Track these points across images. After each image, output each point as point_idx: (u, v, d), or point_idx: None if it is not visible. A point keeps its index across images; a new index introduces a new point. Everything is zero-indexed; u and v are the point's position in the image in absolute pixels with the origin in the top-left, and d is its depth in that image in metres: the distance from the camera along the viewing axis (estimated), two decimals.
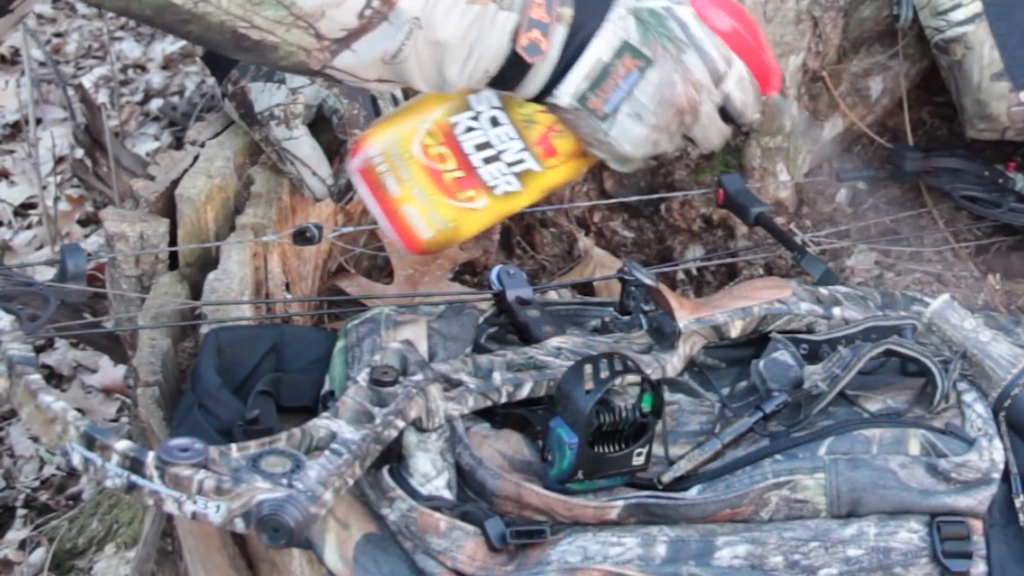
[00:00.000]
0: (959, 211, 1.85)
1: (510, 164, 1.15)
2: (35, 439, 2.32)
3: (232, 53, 1.02)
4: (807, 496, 1.13)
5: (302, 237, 1.38)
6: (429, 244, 1.21)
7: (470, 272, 1.81)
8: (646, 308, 1.31)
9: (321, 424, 1.06)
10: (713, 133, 1.14)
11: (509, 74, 1.06)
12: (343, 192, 1.45)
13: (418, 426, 1.11)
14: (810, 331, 1.30)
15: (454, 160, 1.15)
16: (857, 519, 1.14)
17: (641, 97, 1.07)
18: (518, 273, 1.35)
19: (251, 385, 1.23)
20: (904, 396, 1.21)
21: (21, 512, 2.20)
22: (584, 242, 1.83)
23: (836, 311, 1.32)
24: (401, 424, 1.09)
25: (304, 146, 1.42)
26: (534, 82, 1.07)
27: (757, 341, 1.29)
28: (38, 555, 2.05)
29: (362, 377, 1.10)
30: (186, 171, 1.50)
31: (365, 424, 1.06)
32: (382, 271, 1.79)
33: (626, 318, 1.33)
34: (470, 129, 1.14)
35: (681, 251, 1.85)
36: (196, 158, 1.52)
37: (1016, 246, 1.83)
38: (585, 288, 1.72)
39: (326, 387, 1.23)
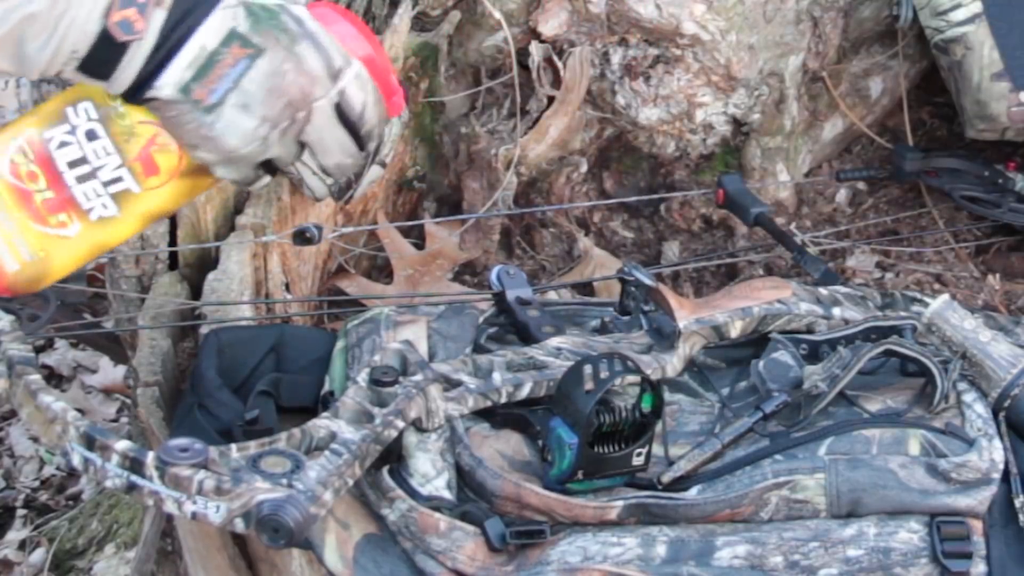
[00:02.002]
0: (959, 211, 1.85)
1: (106, 183, 1.03)
2: (35, 439, 2.32)
3: None
4: (807, 496, 1.13)
5: (302, 237, 1.38)
6: (15, 280, 1.03)
7: (470, 272, 1.81)
8: (646, 308, 1.31)
9: (321, 424, 1.06)
10: (330, 139, 1.05)
11: (100, 56, 0.97)
12: (343, 191, 1.44)
13: (418, 426, 1.11)
14: (810, 331, 1.30)
15: (45, 179, 1.02)
16: (857, 519, 1.13)
17: (249, 87, 0.99)
18: (518, 273, 1.35)
19: (251, 385, 1.23)
20: (904, 396, 1.21)
21: (21, 512, 2.20)
22: (584, 242, 1.84)
23: (836, 311, 1.32)
24: (401, 424, 1.09)
25: None
26: (129, 68, 0.98)
27: (757, 341, 1.29)
28: (38, 555, 2.05)
29: (362, 377, 1.10)
30: None
31: (365, 424, 1.06)
32: (382, 271, 1.79)
33: (626, 318, 1.33)
34: (64, 144, 1.02)
35: (680, 251, 1.85)
36: None
37: (1016, 246, 1.83)
38: (585, 288, 1.72)
39: (326, 387, 1.23)
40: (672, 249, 1.84)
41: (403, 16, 1.72)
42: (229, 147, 1.02)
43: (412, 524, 1.08)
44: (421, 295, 1.66)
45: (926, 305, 1.26)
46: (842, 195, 1.90)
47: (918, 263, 1.80)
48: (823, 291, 1.35)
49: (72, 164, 1.03)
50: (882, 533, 1.13)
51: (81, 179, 1.03)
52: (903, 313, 1.32)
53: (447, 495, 1.11)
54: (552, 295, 1.63)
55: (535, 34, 1.75)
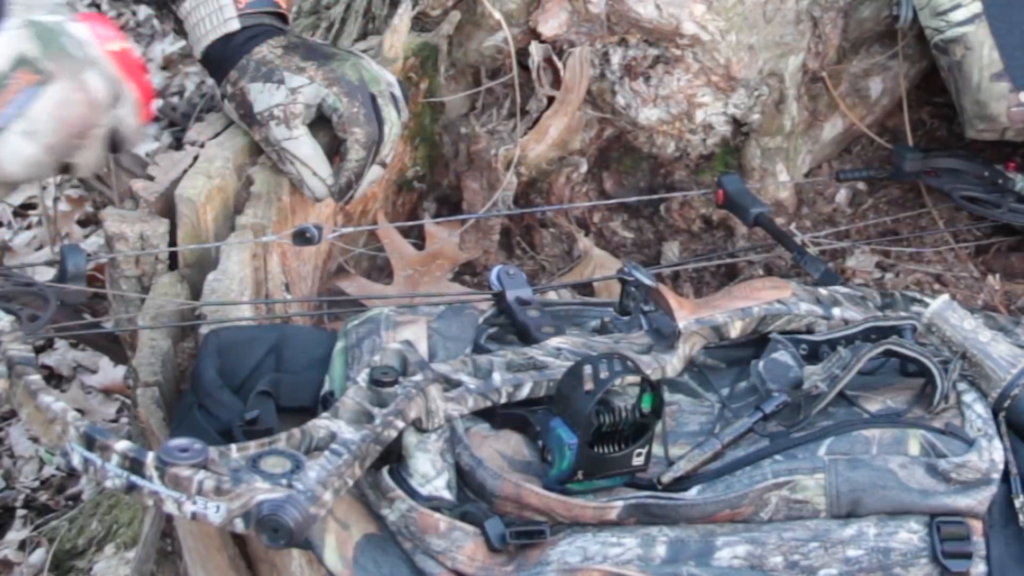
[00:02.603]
0: (959, 211, 1.85)
1: None
2: (35, 439, 2.32)
3: None
4: (807, 496, 1.13)
5: (302, 238, 1.38)
6: None
7: (470, 272, 1.81)
8: (646, 308, 1.31)
9: (321, 424, 1.06)
10: (94, 158, 1.06)
11: None
12: (343, 191, 1.44)
13: (418, 427, 1.11)
14: (810, 331, 1.30)
15: None
16: (857, 519, 1.13)
17: (36, 115, 0.98)
18: (518, 273, 1.35)
19: (251, 385, 1.22)
20: (904, 396, 1.21)
21: (21, 512, 2.20)
22: (584, 242, 1.83)
23: (836, 311, 1.32)
24: (401, 425, 1.09)
25: (304, 146, 1.40)
26: None
27: (757, 341, 1.29)
28: (38, 555, 2.05)
29: (362, 378, 1.10)
30: (186, 171, 1.50)
31: (365, 424, 1.06)
32: (382, 271, 1.79)
33: (626, 318, 1.33)
34: None
35: (680, 252, 1.85)
36: (196, 158, 1.52)
37: (1016, 246, 1.83)
38: (585, 288, 1.72)
39: (326, 387, 1.23)
40: (672, 249, 1.84)
41: (403, 16, 1.72)
42: (6, 173, 1.00)
43: (412, 524, 1.08)
44: (421, 295, 1.66)
45: (926, 305, 1.26)
46: (842, 195, 1.90)
47: (918, 263, 1.80)
48: (823, 291, 1.35)
49: None
50: (882, 533, 1.13)
51: None
52: (903, 313, 1.32)
53: (447, 495, 1.11)
54: (552, 295, 1.63)
55: (535, 34, 1.75)
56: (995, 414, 1.18)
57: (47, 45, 0.97)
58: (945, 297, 1.23)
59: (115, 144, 1.04)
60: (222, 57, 1.34)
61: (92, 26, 1.01)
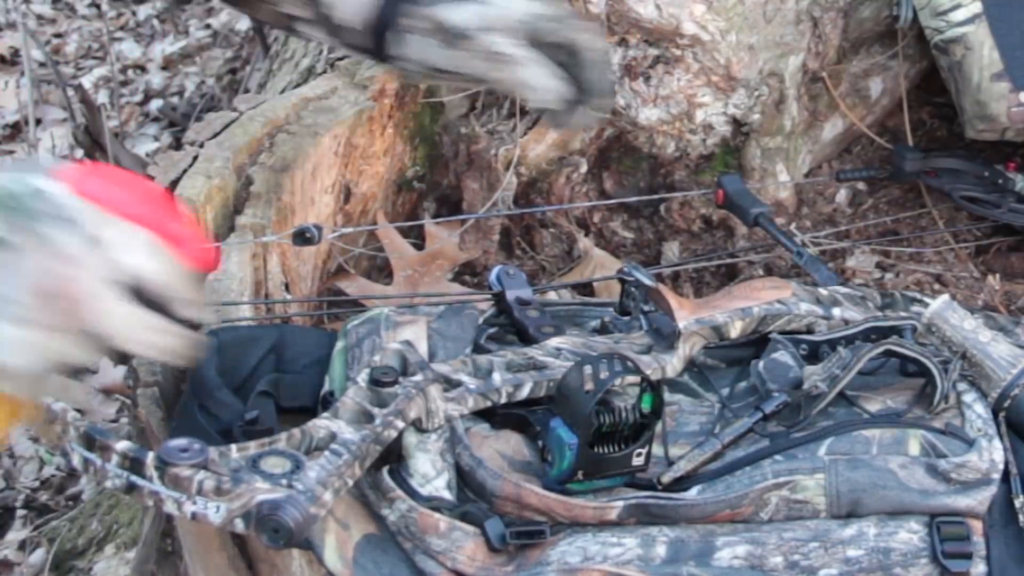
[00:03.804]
0: (959, 211, 1.85)
1: None
2: (35, 439, 2.32)
3: None
4: (807, 496, 1.13)
5: (302, 238, 1.38)
6: None
7: (470, 272, 1.81)
8: (646, 308, 1.31)
9: (321, 425, 1.06)
10: (134, 323, 0.88)
11: None
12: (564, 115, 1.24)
13: (418, 427, 1.11)
14: (810, 331, 1.30)
15: None
16: (857, 519, 1.13)
17: (7, 291, 0.83)
18: (518, 273, 1.35)
19: (251, 385, 1.22)
20: (904, 396, 1.21)
21: (21, 513, 2.20)
22: (584, 242, 1.83)
23: (836, 312, 1.32)
24: (401, 425, 1.09)
25: (521, 48, 1.21)
26: None
27: (757, 341, 1.29)
28: (38, 555, 2.05)
29: (362, 378, 1.10)
30: (185, 171, 1.50)
31: (365, 425, 1.06)
32: (381, 271, 1.79)
33: (626, 318, 1.33)
34: None
35: (680, 252, 1.85)
36: (195, 159, 1.52)
37: (1016, 246, 1.83)
38: (585, 288, 1.72)
39: (326, 387, 1.23)
40: (672, 249, 1.84)
41: None
42: (9, 366, 0.86)
43: (412, 524, 1.08)
44: (421, 295, 1.66)
45: (926, 305, 1.26)
46: (842, 195, 1.90)
47: (918, 263, 1.80)
48: (823, 291, 1.35)
49: None
50: (882, 533, 1.13)
51: None
52: (903, 313, 1.32)
53: (447, 495, 1.11)
54: (552, 295, 1.63)
55: None
56: (995, 414, 1.18)
57: (12, 215, 0.84)
58: (945, 297, 1.23)
59: (156, 305, 0.88)
60: (381, 8, 1.22)
61: (79, 180, 0.88)
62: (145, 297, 0.87)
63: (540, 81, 1.16)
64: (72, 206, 0.86)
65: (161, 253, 0.88)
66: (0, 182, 0.86)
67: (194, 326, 0.89)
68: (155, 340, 0.88)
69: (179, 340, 0.89)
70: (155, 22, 3.79)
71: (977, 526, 1.14)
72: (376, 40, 1.24)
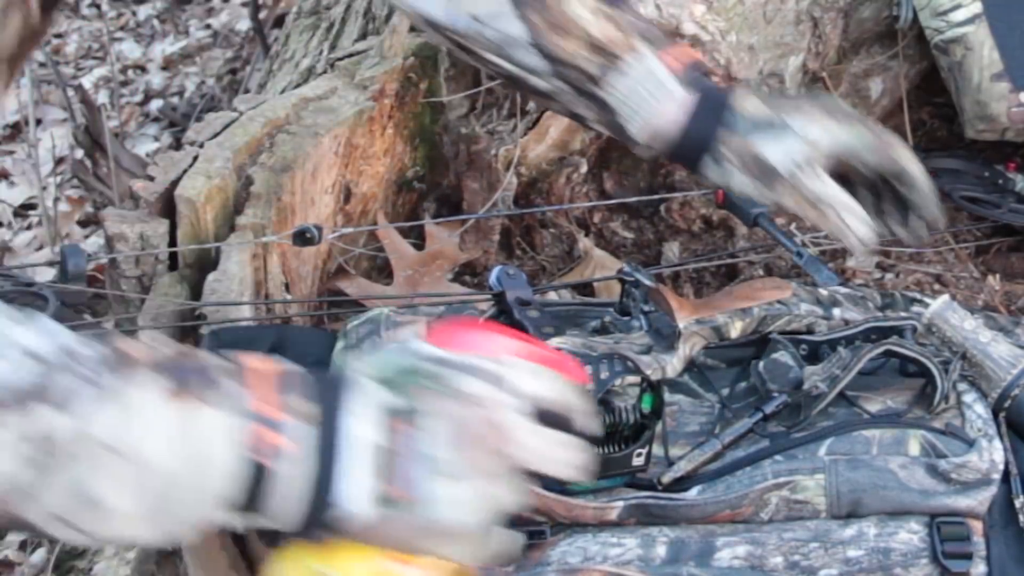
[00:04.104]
0: (959, 211, 1.85)
1: None
2: None
3: None
4: (807, 497, 1.13)
5: (302, 238, 1.38)
6: None
7: (470, 272, 1.81)
8: (646, 309, 1.31)
9: None
10: (547, 446, 0.87)
11: (250, 489, 0.82)
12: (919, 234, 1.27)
13: None
14: (810, 332, 1.30)
15: None
16: (857, 520, 1.13)
17: (438, 453, 0.84)
18: (518, 274, 1.35)
19: None
20: (904, 397, 1.21)
21: None
22: (584, 243, 1.83)
23: (836, 312, 1.32)
24: None
25: (838, 191, 1.20)
26: (286, 497, 0.83)
27: (757, 342, 1.29)
28: (39, 555, 2.05)
29: None
30: (185, 172, 1.50)
31: None
32: (381, 272, 1.79)
33: (626, 319, 1.33)
34: None
35: (681, 252, 1.85)
36: (195, 159, 1.52)
37: (1016, 246, 1.83)
38: (585, 289, 1.72)
39: None
40: (672, 249, 1.84)
41: (402, 16, 1.72)
42: (460, 527, 0.85)
43: None
44: (421, 295, 1.66)
45: (926, 305, 1.26)
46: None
47: (918, 263, 1.80)
48: (823, 292, 1.35)
49: None
50: (882, 534, 1.13)
51: None
52: (903, 313, 1.32)
53: None
54: (552, 295, 1.63)
55: None
56: (995, 414, 1.18)
57: (403, 384, 0.86)
58: (945, 297, 1.23)
59: (551, 417, 0.88)
60: (693, 128, 1.21)
61: (447, 336, 0.91)
62: (547, 419, 0.88)
63: (856, 227, 1.18)
64: (463, 359, 0.88)
65: (549, 375, 0.89)
66: (387, 361, 0.88)
67: (587, 436, 0.90)
68: (567, 456, 0.88)
69: (583, 451, 0.89)
70: (155, 22, 3.80)
71: (977, 526, 1.14)
72: (678, 156, 1.25)
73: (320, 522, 0.84)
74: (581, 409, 0.90)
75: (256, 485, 0.83)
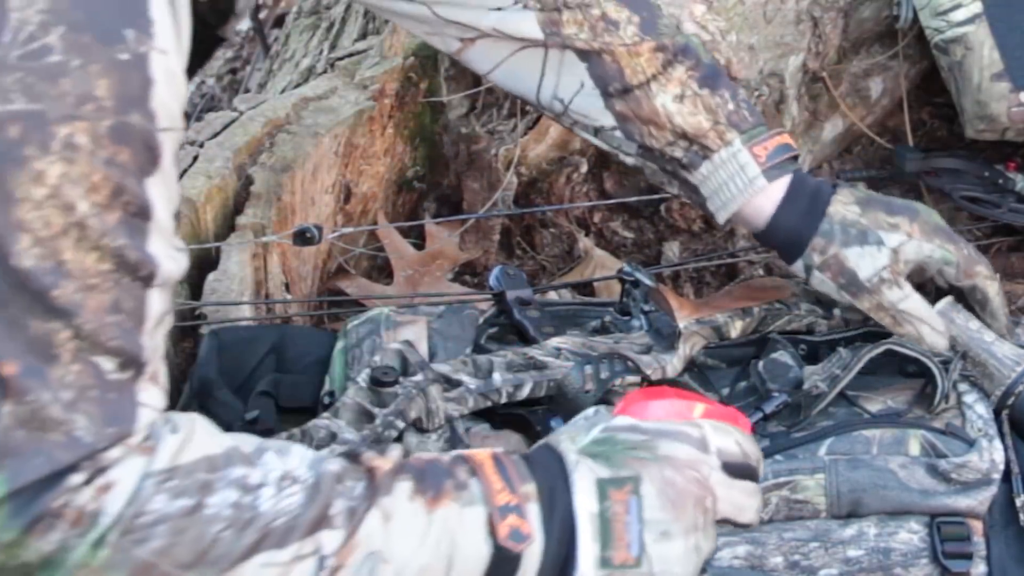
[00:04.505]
0: (959, 211, 1.85)
1: None
2: None
3: None
4: (807, 496, 1.13)
5: (302, 238, 1.38)
6: None
7: (470, 272, 1.81)
8: (646, 308, 1.31)
9: (321, 424, 1.06)
10: (738, 497, 0.97)
11: (498, 575, 0.89)
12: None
13: (418, 427, 1.11)
14: (810, 332, 1.30)
15: None
16: (857, 520, 1.13)
17: (655, 515, 0.92)
18: (518, 273, 1.35)
19: (251, 385, 1.22)
20: (904, 396, 1.21)
21: None
22: (584, 242, 1.83)
23: (836, 312, 1.32)
24: (401, 425, 1.09)
25: (918, 303, 1.23)
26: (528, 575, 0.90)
27: (757, 341, 1.29)
28: None
29: (362, 378, 1.10)
30: (185, 171, 1.50)
31: (365, 425, 1.06)
32: (382, 272, 1.79)
33: (626, 318, 1.33)
34: None
35: (681, 252, 1.85)
36: (195, 158, 1.52)
37: (1016, 246, 1.83)
38: (585, 288, 1.72)
39: (326, 387, 1.23)
40: (672, 249, 1.84)
41: None
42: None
43: None
44: (421, 295, 1.66)
45: None
46: None
47: None
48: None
49: None
50: (882, 533, 1.13)
51: None
52: None
53: None
54: (552, 295, 1.63)
55: None
56: (997, 413, 1.18)
57: (608, 456, 0.93)
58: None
59: (739, 470, 0.97)
60: (784, 222, 1.24)
61: (633, 408, 0.98)
62: (734, 470, 0.97)
63: (931, 338, 1.22)
64: (658, 426, 0.96)
65: (731, 431, 0.98)
66: (586, 434, 0.95)
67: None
68: (754, 503, 0.98)
69: (761, 496, 1.00)
70: None
71: (977, 526, 1.14)
72: (765, 243, 1.29)
73: None
74: (759, 458, 0.99)
75: (505, 570, 0.89)
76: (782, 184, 1.23)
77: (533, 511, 0.89)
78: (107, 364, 0.76)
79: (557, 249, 1.86)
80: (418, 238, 1.81)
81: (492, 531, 0.88)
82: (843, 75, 1.87)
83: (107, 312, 0.76)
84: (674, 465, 0.94)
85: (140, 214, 0.77)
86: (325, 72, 1.83)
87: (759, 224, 1.25)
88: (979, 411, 1.18)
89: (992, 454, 1.14)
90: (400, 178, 1.82)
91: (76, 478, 0.75)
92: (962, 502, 1.13)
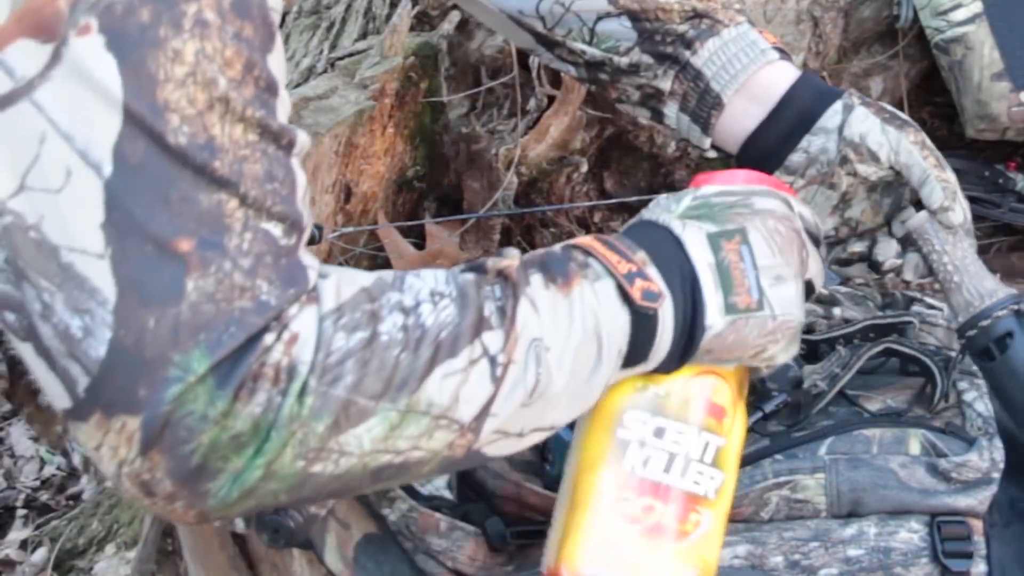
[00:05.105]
0: None
1: (700, 458, 0.97)
2: (35, 439, 2.32)
3: (363, 491, 0.88)
4: (807, 496, 1.13)
5: None
6: None
7: None
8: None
9: None
10: (818, 259, 1.01)
11: (639, 340, 0.90)
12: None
13: None
14: (809, 331, 1.30)
15: (658, 501, 0.96)
16: (857, 519, 1.13)
17: (767, 261, 0.94)
18: None
19: None
20: (904, 396, 1.21)
21: (21, 512, 2.20)
22: None
23: (836, 311, 1.32)
24: None
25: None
26: (665, 334, 0.91)
27: None
28: (40, 555, 2.05)
29: None
30: None
31: None
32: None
33: None
34: (647, 461, 0.96)
35: None
36: None
37: (1016, 246, 1.83)
38: None
39: None
40: None
41: (403, 16, 1.72)
42: (796, 322, 0.96)
43: (412, 524, 1.08)
44: None
45: (927, 305, 1.26)
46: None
47: None
48: (823, 291, 1.35)
49: (667, 469, 0.96)
50: (882, 533, 1.13)
51: (683, 473, 0.96)
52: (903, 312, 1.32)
53: (447, 495, 1.11)
54: None
55: None
56: (960, 336, 1.13)
57: (711, 215, 0.96)
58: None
59: (814, 239, 1.01)
60: (815, 85, 1.18)
61: (709, 180, 1.01)
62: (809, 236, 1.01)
63: (956, 205, 1.15)
64: (744, 188, 0.99)
65: (801, 202, 1.02)
66: (676, 205, 0.97)
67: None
68: (819, 268, 1.02)
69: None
70: None
71: (978, 525, 1.14)
72: (776, 122, 1.20)
73: (690, 348, 0.92)
74: (823, 233, 1.03)
75: (645, 332, 0.90)
76: (793, 67, 1.19)
77: (654, 272, 0.91)
78: (275, 230, 0.77)
79: None
80: (418, 238, 1.82)
81: (626, 297, 0.89)
82: (843, 75, 1.87)
83: (264, 180, 0.77)
84: (774, 216, 0.97)
85: (269, 88, 0.78)
86: (325, 72, 1.83)
87: (772, 97, 1.18)
88: (979, 410, 1.18)
89: (992, 453, 1.15)
90: (400, 178, 1.82)
91: (269, 338, 0.75)
92: (962, 501, 1.13)
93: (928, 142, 1.15)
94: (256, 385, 0.74)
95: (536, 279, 0.87)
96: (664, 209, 0.97)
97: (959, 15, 1.67)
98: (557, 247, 0.92)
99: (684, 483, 0.96)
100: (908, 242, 1.16)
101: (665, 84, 1.19)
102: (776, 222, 0.97)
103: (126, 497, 0.76)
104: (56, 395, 0.74)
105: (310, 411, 0.76)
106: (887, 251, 1.19)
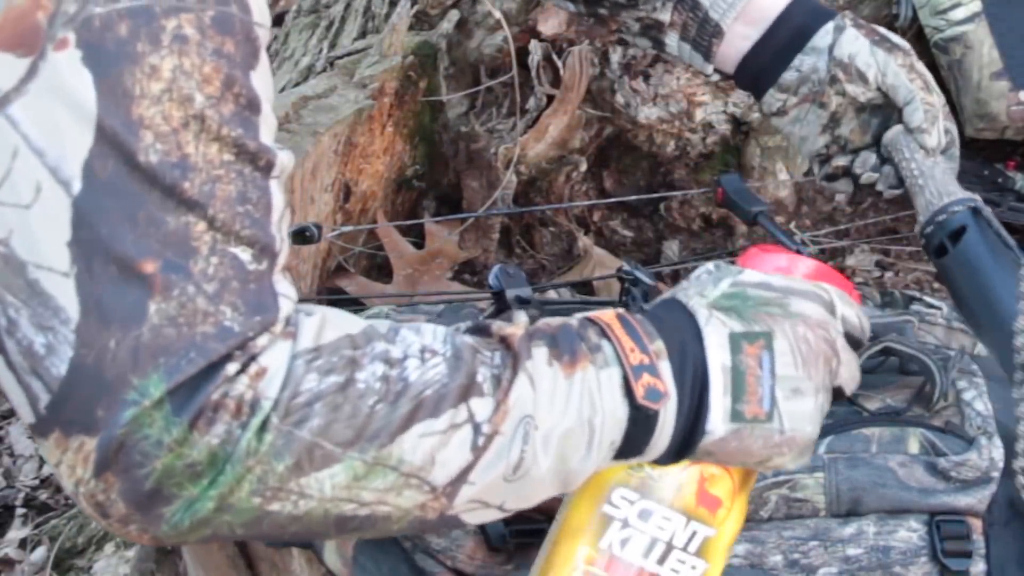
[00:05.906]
0: None
1: (685, 547, 0.95)
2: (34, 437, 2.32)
3: (330, 538, 0.89)
4: (806, 495, 1.13)
5: (301, 236, 1.38)
6: None
7: (470, 271, 1.81)
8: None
9: None
10: (854, 365, 0.96)
11: (635, 434, 0.88)
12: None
13: None
14: None
15: None
16: (856, 518, 1.13)
17: (787, 372, 0.90)
18: (517, 272, 1.35)
19: None
20: (903, 395, 1.21)
21: (20, 511, 2.20)
22: (584, 241, 1.84)
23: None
24: None
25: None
26: (664, 433, 0.88)
27: None
28: (39, 554, 2.05)
29: None
30: None
31: None
32: (381, 270, 1.79)
33: None
34: (625, 541, 0.94)
35: (680, 250, 1.85)
36: None
37: None
38: (584, 287, 1.72)
39: None
40: (672, 248, 1.84)
41: (402, 15, 1.72)
42: (807, 438, 0.92)
43: None
44: (421, 294, 1.66)
45: (926, 304, 1.26)
46: (841, 194, 1.90)
47: (917, 262, 1.80)
48: None
49: (646, 553, 0.94)
50: (881, 532, 1.13)
51: (661, 560, 0.94)
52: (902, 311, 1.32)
53: None
54: (552, 294, 1.63)
55: (535, 33, 1.75)
56: (920, 236, 1.14)
57: (740, 312, 0.92)
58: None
59: (854, 342, 0.97)
60: (810, 4, 1.18)
61: (759, 261, 0.98)
62: (850, 340, 0.96)
63: (939, 127, 1.17)
64: (785, 282, 0.94)
65: (851, 301, 0.96)
66: (714, 288, 0.95)
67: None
68: (858, 376, 0.97)
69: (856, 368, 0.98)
70: None
71: (977, 524, 1.14)
72: (776, 38, 1.20)
73: (688, 448, 0.89)
74: (867, 335, 0.98)
75: (644, 429, 0.87)
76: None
77: (665, 368, 0.88)
78: (244, 255, 0.75)
79: (556, 248, 1.86)
80: (418, 237, 1.81)
81: (628, 392, 0.86)
82: None
83: (236, 202, 0.75)
84: (807, 323, 0.92)
85: (250, 106, 0.76)
86: (324, 71, 1.83)
87: (767, 18, 1.17)
88: (978, 409, 1.18)
89: (991, 452, 1.15)
90: (399, 177, 1.82)
91: (231, 367, 0.74)
92: (961, 500, 1.13)
93: (918, 65, 1.14)
94: (216, 416, 0.73)
95: (540, 353, 0.84)
96: (699, 291, 0.94)
97: (958, 14, 1.67)
98: (576, 319, 0.89)
99: (661, 570, 0.94)
100: (886, 157, 1.17)
101: (664, 16, 1.19)
102: (807, 329, 0.92)
103: (86, 514, 0.75)
104: (22, 409, 0.74)
105: (270, 448, 0.75)
106: (865, 163, 1.18)
